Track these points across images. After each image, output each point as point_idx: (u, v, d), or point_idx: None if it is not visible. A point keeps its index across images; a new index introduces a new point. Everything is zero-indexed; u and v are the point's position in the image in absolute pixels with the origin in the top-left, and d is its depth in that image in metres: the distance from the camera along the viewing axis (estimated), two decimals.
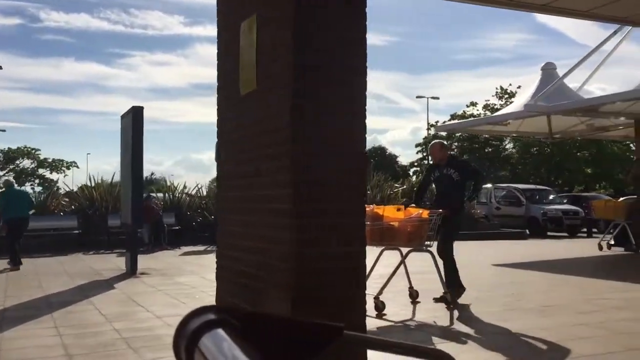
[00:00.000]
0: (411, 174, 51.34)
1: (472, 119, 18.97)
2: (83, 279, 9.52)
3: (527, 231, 20.11)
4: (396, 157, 64.92)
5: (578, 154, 40.01)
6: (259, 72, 3.74)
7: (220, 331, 0.55)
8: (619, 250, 13.79)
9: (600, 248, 13.84)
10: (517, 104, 15.76)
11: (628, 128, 15.61)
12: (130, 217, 10.25)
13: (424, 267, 7.41)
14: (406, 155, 73.93)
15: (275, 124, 3.50)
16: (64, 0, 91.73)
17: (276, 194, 3.46)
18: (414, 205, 7.27)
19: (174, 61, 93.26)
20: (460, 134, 42.26)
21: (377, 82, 73.81)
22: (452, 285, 7.06)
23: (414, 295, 7.29)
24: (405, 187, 21.23)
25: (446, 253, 7.19)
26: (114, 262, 12.00)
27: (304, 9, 3.33)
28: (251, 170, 3.82)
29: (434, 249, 6.98)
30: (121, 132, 11.01)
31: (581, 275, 9.45)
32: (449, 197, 7.19)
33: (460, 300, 7.04)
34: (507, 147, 45.30)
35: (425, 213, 6.80)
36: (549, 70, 15.47)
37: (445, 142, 7.68)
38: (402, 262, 7.03)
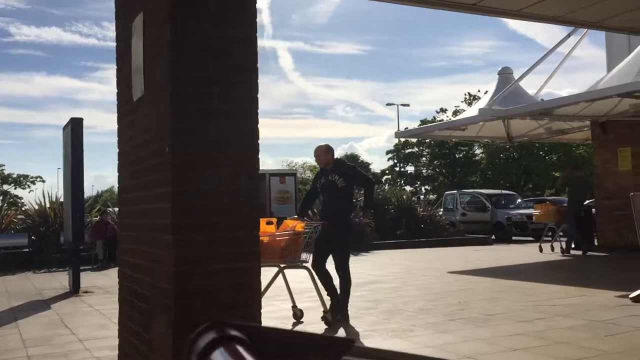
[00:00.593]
0: (383, 181, 51.25)
1: (430, 124, 18.87)
2: (21, 299, 9.09)
3: (493, 236, 20.03)
4: (369, 164, 64.93)
5: (546, 158, 40.33)
6: (146, 76, 3.45)
7: (231, 347, 0.54)
8: (579, 254, 13.75)
9: (541, 250, 14.21)
10: (474, 109, 15.69)
11: (587, 130, 15.60)
12: (71, 234, 9.83)
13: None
14: (382, 163, 74.14)
15: (157, 131, 3.22)
16: (35, 15, 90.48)
17: (159, 208, 3.16)
18: (296, 217, 6.66)
19: None
20: (430, 140, 42.42)
21: (352, 90, 74.06)
22: (335, 295, 6.54)
23: (298, 315, 6.60)
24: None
25: (341, 269, 6.52)
26: (61, 281, 11.54)
27: (182, 3, 3.05)
28: (141, 182, 3.53)
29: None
30: (63, 146, 10.60)
31: (535, 280, 9.29)
32: (332, 206, 6.52)
33: (403, 312, 6.79)
34: (476, 152, 45.52)
35: (299, 226, 6.26)
36: (505, 75, 15.43)
37: (330, 145, 6.72)
38: (274, 279, 6.39)
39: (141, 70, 3.50)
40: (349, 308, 6.65)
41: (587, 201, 15.09)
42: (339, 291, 6.57)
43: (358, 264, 12.97)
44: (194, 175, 3.03)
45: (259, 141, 3.25)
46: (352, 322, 6.43)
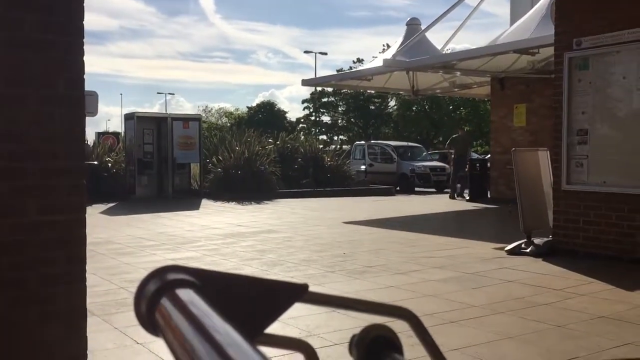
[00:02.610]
0: (299, 129, 51.04)
1: (337, 73, 18.71)
2: None
3: (398, 188, 20.39)
4: (285, 112, 64.42)
5: (455, 112, 41.39)
6: None
7: (183, 291, 0.53)
8: (478, 206, 14.21)
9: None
10: (380, 60, 15.57)
11: (488, 86, 15.89)
12: None
13: None
14: (301, 112, 73.76)
15: None
16: None
17: None
18: None
19: None
20: (344, 90, 42.40)
21: (275, 36, 72.54)
22: None
23: None
24: (278, 143, 20.75)
25: None
26: None
27: None
28: None
29: None
30: None
31: (423, 231, 9.43)
32: None
33: (285, 263, 6.67)
34: (389, 104, 46.05)
35: None
36: (413, 26, 15.33)
37: None
38: None
39: None
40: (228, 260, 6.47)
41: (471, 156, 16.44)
42: None
43: (257, 213, 12.80)
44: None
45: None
46: None
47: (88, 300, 5.03)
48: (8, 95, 2.63)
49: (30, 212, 2.71)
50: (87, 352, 3.69)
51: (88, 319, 4.51)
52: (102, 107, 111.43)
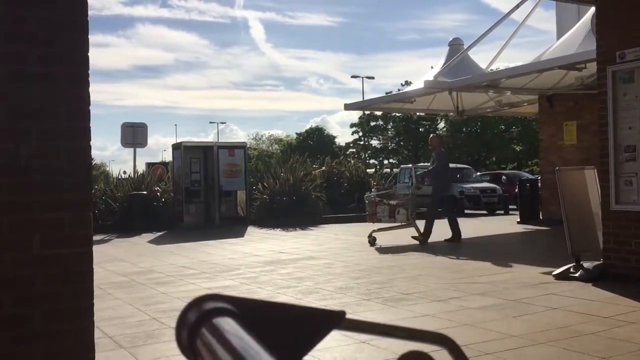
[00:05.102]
0: (347, 154, 51.00)
1: (377, 96, 18.57)
2: None
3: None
4: (334, 137, 64.61)
5: (505, 132, 40.52)
6: None
7: (223, 319, 0.54)
8: (529, 228, 13.71)
9: None
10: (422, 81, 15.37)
11: (536, 104, 15.44)
12: None
13: None
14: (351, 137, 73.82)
15: None
16: None
17: None
18: None
19: (115, 42, 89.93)
20: (395, 114, 42.22)
21: (324, 62, 73.35)
22: None
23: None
24: (324, 168, 20.70)
25: None
26: None
27: None
28: None
29: None
30: None
31: (468, 257, 9.10)
32: None
33: (321, 291, 6.52)
34: (439, 126, 45.51)
35: None
36: (455, 46, 15.11)
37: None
38: None
39: None
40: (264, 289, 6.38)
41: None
42: None
43: (300, 239, 12.71)
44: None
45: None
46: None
47: (119, 331, 5.05)
48: (9, 129, 2.63)
49: (34, 246, 2.68)
50: None
51: (115, 351, 4.51)
52: (159, 139, 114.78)
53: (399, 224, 11.28)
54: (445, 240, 10.94)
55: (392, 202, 11.47)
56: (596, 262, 6.81)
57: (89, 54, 2.87)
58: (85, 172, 2.85)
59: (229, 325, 0.53)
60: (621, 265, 6.52)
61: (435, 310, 5.45)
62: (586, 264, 6.78)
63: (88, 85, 2.87)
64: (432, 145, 12.17)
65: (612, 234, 6.63)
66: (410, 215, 11.12)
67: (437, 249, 10.01)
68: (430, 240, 11.08)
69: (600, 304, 5.52)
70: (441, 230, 11.33)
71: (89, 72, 2.88)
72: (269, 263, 9.05)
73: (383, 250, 10.18)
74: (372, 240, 10.85)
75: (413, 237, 10.94)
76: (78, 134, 2.80)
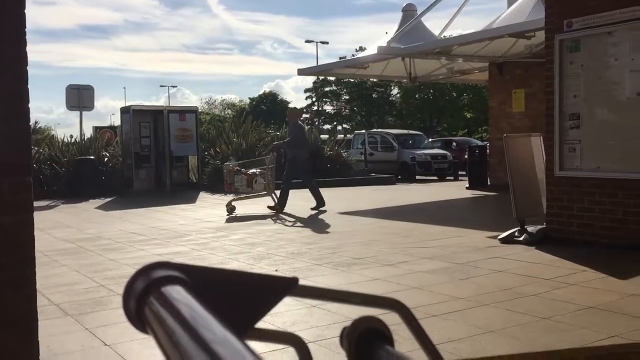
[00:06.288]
0: (302, 120, 50.78)
1: (332, 61, 18.49)
2: None
3: (399, 176, 20.20)
4: (288, 102, 64.16)
5: (458, 99, 41.06)
6: None
7: (172, 288, 0.52)
8: (477, 193, 14.04)
9: None
10: (375, 47, 15.35)
11: (487, 71, 15.64)
12: None
13: None
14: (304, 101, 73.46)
15: None
16: None
17: None
18: None
19: (61, 0, 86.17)
20: (348, 79, 42.14)
21: (278, 26, 72.21)
22: None
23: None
24: (279, 133, 20.56)
25: None
26: None
27: None
28: None
29: None
30: None
31: (417, 221, 9.25)
32: None
33: (273, 256, 6.54)
34: (392, 92, 45.72)
35: None
36: (409, 12, 15.10)
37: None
38: None
39: None
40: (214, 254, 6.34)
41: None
42: None
43: (253, 205, 12.67)
44: None
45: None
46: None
47: (66, 299, 4.95)
48: None
49: None
50: (52, 355, 3.58)
51: (61, 319, 4.42)
52: (107, 102, 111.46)
53: (256, 193, 11.14)
54: (312, 208, 10.89)
55: (249, 171, 11.28)
56: (540, 226, 7.04)
57: (25, 10, 2.73)
58: (23, 135, 2.73)
59: (178, 293, 0.52)
60: (563, 229, 6.76)
61: (385, 274, 5.54)
62: (530, 228, 7.01)
63: (25, 44, 2.73)
64: (288, 117, 12.35)
65: (555, 199, 6.85)
66: (268, 185, 11.02)
67: (389, 214, 10.14)
68: (381, 206, 11.20)
69: (543, 266, 5.72)
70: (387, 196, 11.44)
71: (30, 30, 2.74)
72: (220, 229, 9.00)
73: (336, 216, 10.24)
74: (230, 210, 10.68)
75: (269, 207, 10.87)
76: (14, 96, 2.68)
